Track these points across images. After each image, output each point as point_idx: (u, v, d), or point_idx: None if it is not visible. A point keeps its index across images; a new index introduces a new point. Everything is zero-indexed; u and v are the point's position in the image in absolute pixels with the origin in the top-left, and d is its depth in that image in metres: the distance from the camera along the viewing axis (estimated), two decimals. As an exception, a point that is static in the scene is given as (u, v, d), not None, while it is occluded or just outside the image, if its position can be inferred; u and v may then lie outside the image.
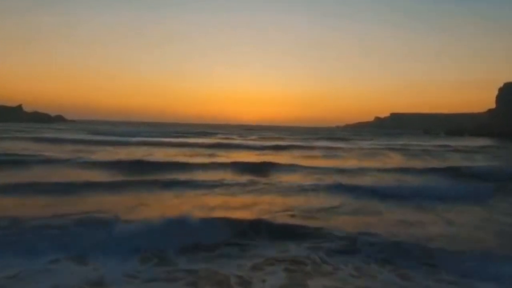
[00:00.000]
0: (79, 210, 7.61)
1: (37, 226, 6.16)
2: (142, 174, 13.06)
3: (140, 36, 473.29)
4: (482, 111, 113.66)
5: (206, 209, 8.15)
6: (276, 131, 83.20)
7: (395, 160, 22.57)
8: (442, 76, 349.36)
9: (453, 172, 15.80)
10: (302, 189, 11.28)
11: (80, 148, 21.73)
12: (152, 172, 13.63)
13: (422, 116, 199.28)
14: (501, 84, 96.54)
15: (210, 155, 21.23)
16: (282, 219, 7.70)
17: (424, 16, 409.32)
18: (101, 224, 6.49)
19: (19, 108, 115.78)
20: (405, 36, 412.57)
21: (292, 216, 8.08)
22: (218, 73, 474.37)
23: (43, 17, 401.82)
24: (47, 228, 6.14)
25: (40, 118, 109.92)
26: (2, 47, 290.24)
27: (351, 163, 19.40)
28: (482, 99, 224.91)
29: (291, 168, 16.30)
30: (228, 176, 13.31)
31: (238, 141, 39.66)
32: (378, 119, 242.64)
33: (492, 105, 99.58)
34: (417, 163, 19.87)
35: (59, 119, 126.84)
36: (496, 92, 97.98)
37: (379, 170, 16.32)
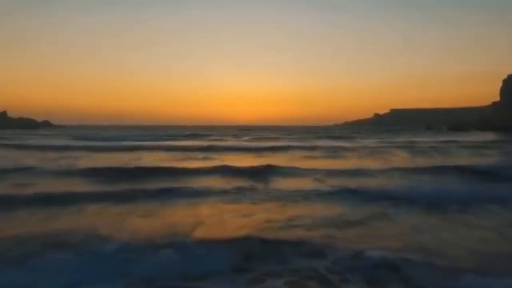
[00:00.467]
0: (46, 230, 6.64)
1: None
2: (127, 182, 11.89)
3: (129, 36, 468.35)
4: (486, 104, 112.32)
5: (197, 227, 6.94)
6: (272, 131, 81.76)
7: (402, 158, 21.41)
8: (443, 70, 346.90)
9: (466, 170, 14.70)
10: (303, 196, 10.17)
11: (62, 155, 20.51)
12: (139, 180, 12.49)
13: (423, 112, 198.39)
14: (505, 76, 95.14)
15: (203, 159, 20.09)
16: (281, 234, 6.66)
17: (424, 7, 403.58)
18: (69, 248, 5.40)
19: (3, 114, 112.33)
20: (404, 28, 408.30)
21: (293, 227, 7.13)
22: (211, 72, 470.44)
23: (27, 19, 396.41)
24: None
25: (26, 124, 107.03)
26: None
27: (355, 163, 18.26)
28: (486, 92, 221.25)
29: (291, 170, 15.20)
30: (220, 182, 12.20)
31: (232, 142, 38.51)
32: (377, 115, 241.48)
33: (496, 98, 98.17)
34: (426, 161, 18.81)
35: (46, 124, 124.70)
36: (500, 84, 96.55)
37: (386, 170, 15.21)
